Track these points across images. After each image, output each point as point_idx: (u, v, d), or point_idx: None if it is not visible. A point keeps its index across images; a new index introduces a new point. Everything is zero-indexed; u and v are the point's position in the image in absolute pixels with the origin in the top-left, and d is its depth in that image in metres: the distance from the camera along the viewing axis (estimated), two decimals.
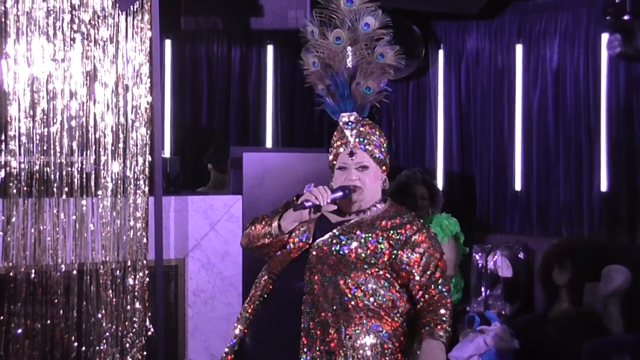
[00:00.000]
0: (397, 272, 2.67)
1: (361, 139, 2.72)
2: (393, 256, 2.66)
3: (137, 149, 4.11)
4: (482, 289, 4.97)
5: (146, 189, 4.09)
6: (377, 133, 2.76)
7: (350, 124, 2.74)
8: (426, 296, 2.67)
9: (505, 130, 5.45)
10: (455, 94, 5.73)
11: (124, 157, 4.08)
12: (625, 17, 4.64)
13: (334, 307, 2.62)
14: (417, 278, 2.67)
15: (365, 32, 2.75)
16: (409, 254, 2.66)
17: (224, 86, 6.04)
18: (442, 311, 2.65)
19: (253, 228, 2.79)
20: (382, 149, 2.75)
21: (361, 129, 2.74)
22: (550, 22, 5.21)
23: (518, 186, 5.36)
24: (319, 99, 2.84)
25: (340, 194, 2.69)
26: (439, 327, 2.62)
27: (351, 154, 2.71)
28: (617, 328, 4.35)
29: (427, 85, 5.91)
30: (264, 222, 2.76)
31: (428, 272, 2.67)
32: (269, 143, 6.07)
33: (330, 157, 2.78)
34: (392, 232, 2.68)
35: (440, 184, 5.69)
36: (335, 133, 2.79)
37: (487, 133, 5.56)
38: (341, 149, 2.73)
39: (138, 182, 4.09)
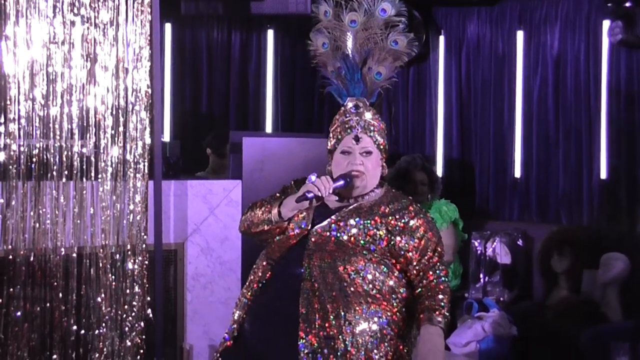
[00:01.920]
0: (396, 257, 2.68)
1: (367, 125, 2.73)
2: (391, 242, 2.66)
3: (137, 132, 4.08)
4: (481, 275, 4.97)
5: (146, 173, 4.08)
6: (379, 119, 2.78)
7: (356, 108, 2.74)
8: (424, 281, 2.67)
9: (505, 117, 5.44)
10: (455, 81, 5.71)
11: (124, 141, 4.06)
12: (627, 4, 4.61)
13: (333, 293, 2.62)
14: (415, 263, 2.68)
15: (381, 18, 2.74)
16: (407, 240, 2.67)
17: (224, 70, 6.03)
18: (441, 296, 2.65)
19: (252, 214, 2.80)
20: (384, 136, 2.77)
21: (366, 114, 2.75)
22: (551, 9, 5.19)
23: (518, 173, 5.35)
24: (325, 81, 2.84)
25: (341, 182, 2.69)
26: (437, 312, 2.62)
27: (356, 138, 2.71)
28: (616, 315, 4.36)
29: (427, 71, 5.89)
30: (263, 209, 2.77)
31: (426, 257, 2.68)
32: (268, 128, 6.06)
33: (332, 142, 2.77)
34: (390, 217, 2.68)
35: (439, 170, 5.68)
36: (336, 117, 2.79)
37: (487, 120, 5.55)
38: (345, 133, 2.73)
39: (138, 166, 4.07)
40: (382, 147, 2.75)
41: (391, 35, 2.75)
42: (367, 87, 2.77)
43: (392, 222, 2.67)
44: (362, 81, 2.76)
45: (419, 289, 2.67)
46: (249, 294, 2.77)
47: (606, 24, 4.81)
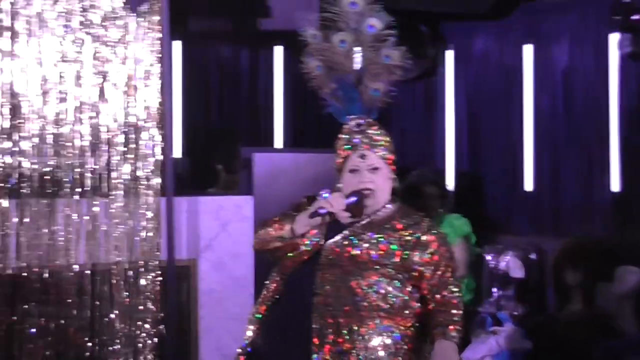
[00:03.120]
0: (409, 272, 2.67)
1: (370, 141, 2.71)
2: (404, 257, 2.66)
3: (148, 149, 4.13)
4: (494, 289, 4.94)
5: (157, 190, 4.11)
6: (384, 133, 2.76)
7: (358, 126, 2.73)
8: (437, 296, 2.67)
9: (515, 131, 5.42)
10: (464, 94, 5.70)
11: (136, 158, 4.10)
12: (635, 17, 4.62)
13: (346, 308, 2.62)
14: (428, 278, 2.67)
15: (370, 34, 2.73)
16: (420, 255, 2.66)
17: (234, 87, 6.04)
18: (454, 311, 2.65)
19: (264, 232, 2.79)
20: (391, 149, 2.75)
21: (369, 131, 2.73)
22: (558, 22, 5.19)
23: (529, 186, 5.33)
24: (325, 102, 2.83)
25: (354, 199, 2.68)
26: (450, 327, 2.63)
27: (362, 156, 2.70)
28: (631, 329, 4.33)
29: (436, 85, 5.88)
30: (275, 226, 2.75)
31: (439, 272, 2.67)
32: (279, 143, 6.06)
33: (338, 160, 2.76)
34: (402, 232, 2.68)
35: (450, 184, 5.65)
36: (340, 135, 2.77)
37: (497, 133, 5.54)
38: (350, 152, 2.72)
39: (149, 183, 4.10)
40: (389, 161, 2.75)
41: (383, 50, 2.74)
42: (366, 104, 2.76)
43: (405, 237, 2.67)
44: (359, 99, 2.76)
45: (432, 304, 2.67)
46: (262, 309, 2.78)
47: (614, 36, 4.81)
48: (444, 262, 2.69)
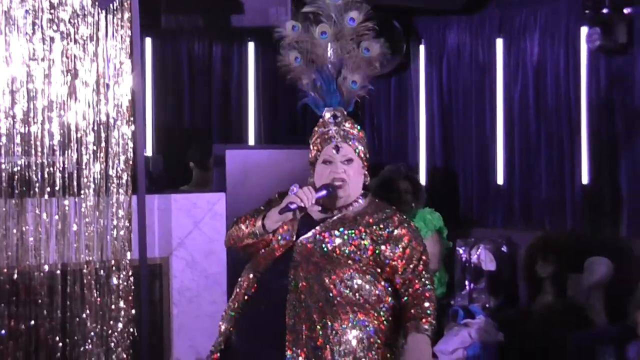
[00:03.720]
0: (381, 267, 2.69)
1: (346, 133, 2.73)
2: (377, 251, 2.67)
3: (119, 147, 4.09)
4: (466, 282, 4.99)
5: (129, 188, 4.08)
6: (358, 128, 2.78)
7: (334, 118, 2.75)
8: (410, 290, 2.68)
9: (487, 125, 5.46)
10: (436, 89, 5.73)
11: (106, 156, 4.07)
12: (604, 11, 4.66)
13: (320, 304, 2.63)
14: (401, 272, 2.68)
15: (351, 27, 2.75)
16: (392, 249, 2.67)
17: (206, 84, 6.02)
18: (427, 304, 2.66)
19: (236, 229, 2.79)
20: (364, 144, 2.77)
21: (345, 124, 2.75)
22: (530, 17, 5.22)
23: (500, 180, 5.37)
24: (302, 94, 2.84)
25: (324, 192, 2.69)
26: (423, 320, 2.64)
27: (336, 148, 2.72)
28: (601, 319, 4.38)
29: (409, 80, 5.90)
30: (247, 222, 2.75)
31: (411, 266, 2.68)
32: (251, 140, 6.05)
33: (312, 153, 2.78)
34: (374, 227, 2.69)
35: (423, 179, 5.69)
36: (315, 128, 2.79)
37: (469, 128, 5.57)
38: (325, 144, 2.74)
39: (120, 181, 4.07)
40: (362, 155, 2.76)
41: (363, 43, 2.76)
42: (344, 96, 2.78)
43: (377, 231, 2.68)
44: (338, 91, 2.77)
45: (405, 298, 2.68)
46: (236, 306, 2.77)
47: (584, 30, 4.85)
48: (416, 256, 2.70)
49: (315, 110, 2.82)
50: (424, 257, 2.72)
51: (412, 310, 2.66)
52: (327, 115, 2.77)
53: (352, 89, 2.78)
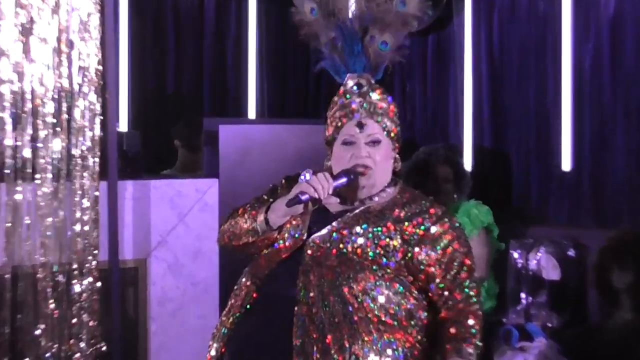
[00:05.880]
0: (414, 273, 2.68)
1: (372, 108, 2.75)
2: (408, 254, 2.67)
3: (85, 120, 4.10)
4: (522, 295, 4.97)
5: (97, 172, 4.10)
6: (390, 101, 2.79)
7: (359, 87, 2.76)
8: (450, 302, 2.69)
9: (550, 95, 5.42)
10: (485, 51, 5.71)
11: (69, 132, 4.08)
12: None
13: (336, 320, 2.63)
14: (439, 280, 2.69)
15: None
16: (428, 251, 2.67)
17: (196, 44, 6.07)
18: (471, 322, 2.67)
19: (233, 223, 2.81)
20: (396, 121, 2.78)
21: (372, 94, 2.76)
22: None
23: (567, 165, 5.33)
24: (318, 56, 2.86)
25: (344, 180, 2.69)
26: (466, 343, 2.64)
27: (360, 125, 2.72)
28: None
29: (451, 40, 5.89)
30: (246, 216, 2.77)
31: (452, 273, 2.69)
32: (251, 113, 6.09)
33: (330, 130, 2.79)
34: (406, 223, 2.69)
35: (468, 163, 5.67)
36: (334, 99, 2.80)
37: (527, 99, 5.54)
38: (345, 119, 2.74)
39: (86, 163, 4.09)
40: (393, 134, 2.77)
41: None
42: (371, 60, 2.80)
43: (409, 229, 2.68)
44: (363, 53, 2.79)
45: (444, 312, 2.68)
46: (230, 321, 2.79)
47: None
48: (458, 260, 2.69)
49: (334, 77, 2.84)
50: (468, 262, 2.72)
51: (453, 329, 2.66)
52: (350, 83, 2.78)
53: (381, 52, 2.80)
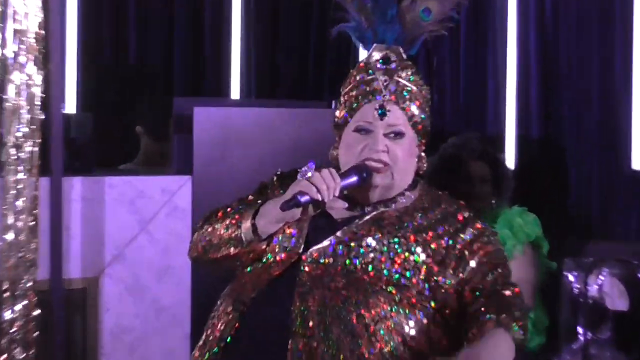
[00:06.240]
0: (437, 297, 2.69)
1: (400, 90, 2.77)
2: (433, 273, 2.67)
3: (21, 100, 4.12)
4: (579, 329, 4.95)
5: (36, 165, 4.11)
6: (421, 83, 2.82)
7: (386, 62, 2.78)
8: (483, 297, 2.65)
9: (617, 77, 5.43)
10: (534, 21, 5.75)
11: (0, 114, 4.11)
12: None
13: (341, 357, 2.63)
14: (468, 301, 2.67)
15: None
16: (455, 270, 2.69)
17: (164, 5, 6.11)
18: (517, 313, 2.59)
19: (209, 229, 2.84)
20: (427, 111, 2.82)
21: (401, 73, 2.79)
22: None
23: (637, 163, 5.33)
24: (341, 14, 2.88)
25: (354, 179, 2.71)
26: (515, 322, 2.55)
27: (382, 109, 2.73)
28: None
29: (490, 8, 5.91)
30: (228, 221, 2.79)
31: (483, 287, 2.68)
32: (235, 93, 6.14)
33: (342, 111, 2.82)
34: (430, 232, 2.72)
35: (510, 160, 5.67)
36: (353, 71, 2.83)
37: (588, 80, 5.54)
38: (364, 100, 2.76)
39: (22, 154, 4.10)
40: (420, 127, 2.79)
41: None
42: (406, 30, 2.84)
43: (433, 240, 2.71)
44: (398, 20, 2.82)
45: (475, 305, 2.63)
46: (206, 358, 2.79)
47: None
48: (493, 273, 2.70)
49: (356, 43, 2.89)
50: (500, 270, 2.71)
51: (491, 306, 2.58)
52: (376, 55, 2.80)
53: (422, 21, 2.85)
